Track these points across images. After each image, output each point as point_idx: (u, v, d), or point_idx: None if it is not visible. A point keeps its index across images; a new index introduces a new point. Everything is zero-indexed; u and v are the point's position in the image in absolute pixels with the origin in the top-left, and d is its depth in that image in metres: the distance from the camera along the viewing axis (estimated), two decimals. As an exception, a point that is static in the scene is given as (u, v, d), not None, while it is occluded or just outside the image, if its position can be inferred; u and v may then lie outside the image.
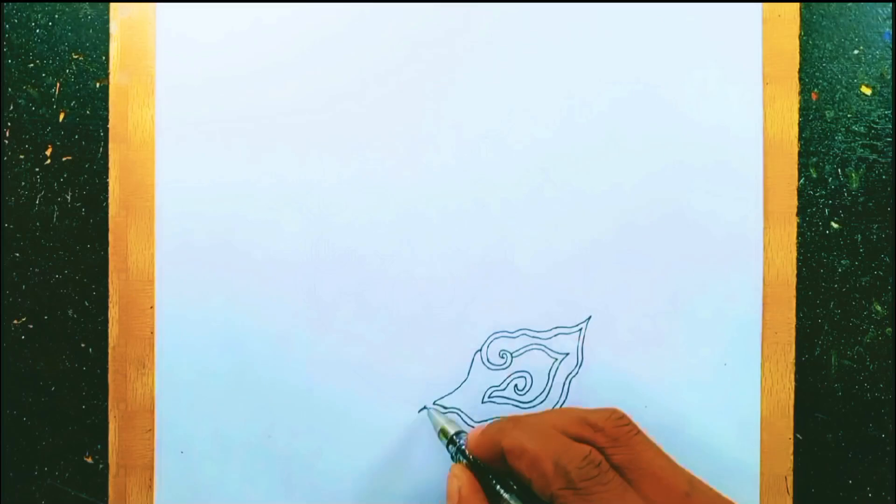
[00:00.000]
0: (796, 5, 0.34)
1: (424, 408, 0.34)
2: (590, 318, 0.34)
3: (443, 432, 0.32)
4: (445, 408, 0.34)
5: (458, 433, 0.31)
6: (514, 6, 0.34)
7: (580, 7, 0.34)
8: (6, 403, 0.36)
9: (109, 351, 0.35)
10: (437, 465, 0.34)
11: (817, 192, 0.34)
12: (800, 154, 0.34)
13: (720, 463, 0.33)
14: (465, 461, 0.30)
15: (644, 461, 0.26)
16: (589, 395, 0.34)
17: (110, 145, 0.35)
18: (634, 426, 0.28)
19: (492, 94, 0.34)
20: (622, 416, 0.28)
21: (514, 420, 0.29)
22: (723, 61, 0.34)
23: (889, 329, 0.34)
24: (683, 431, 0.33)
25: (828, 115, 0.34)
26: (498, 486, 0.28)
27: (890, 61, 0.34)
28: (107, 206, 0.35)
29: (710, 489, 0.26)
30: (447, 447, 0.31)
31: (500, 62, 0.34)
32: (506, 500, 0.28)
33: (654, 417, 0.33)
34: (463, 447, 0.30)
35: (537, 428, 0.27)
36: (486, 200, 0.34)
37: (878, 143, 0.34)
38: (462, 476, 0.29)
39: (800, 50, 0.34)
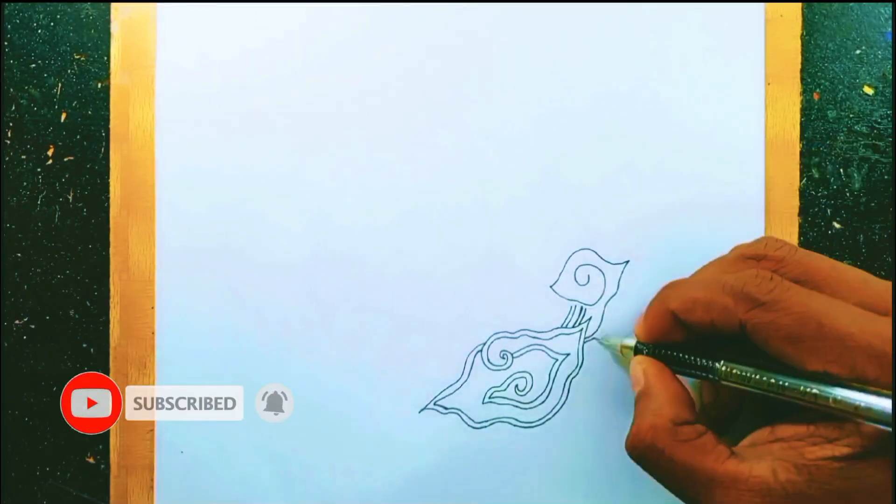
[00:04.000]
0: (798, 5, 0.34)
1: (593, 338, 0.34)
2: (590, 318, 0.34)
3: (624, 348, 0.31)
4: (446, 408, 0.34)
5: (638, 342, 0.30)
6: (516, 6, 0.34)
7: (582, 7, 0.34)
8: (7, 403, 0.36)
9: (111, 351, 0.35)
10: (437, 465, 0.34)
11: (819, 192, 0.34)
12: (802, 154, 0.34)
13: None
14: None
15: (813, 269, 0.25)
16: (590, 395, 0.34)
17: (111, 145, 0.35)
18: (791, 244, 0.27)
19: (492, 93, 0.34)
20: (777, 239, 0.27)
21: (672, 284, 0.28)
22: (724, 61, 0.33)
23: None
24: (685, 432, 0.33)
25: (830, 115, 0.34)
26: (683, 356, 0.27)
27: (892, 61, 0.34)
28: (108, 206, 0.35)
29: (880, 279, 0.25)
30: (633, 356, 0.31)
31: (501, 62, 0.34)
32: (699, 363, 0.27)
33: (656, 418, 0.33)
34: (646, 350, 0.29)
35: (698, 279, 0.27)
36: (487, 200, 0.34)
37: (881, 144, 0.34)
38: (646, 361, 0.29)
39: (802, 50, 0.34)
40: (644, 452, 0.26)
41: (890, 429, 0.22)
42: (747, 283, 0.25)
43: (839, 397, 0.23)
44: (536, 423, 0.34)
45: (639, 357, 0.29)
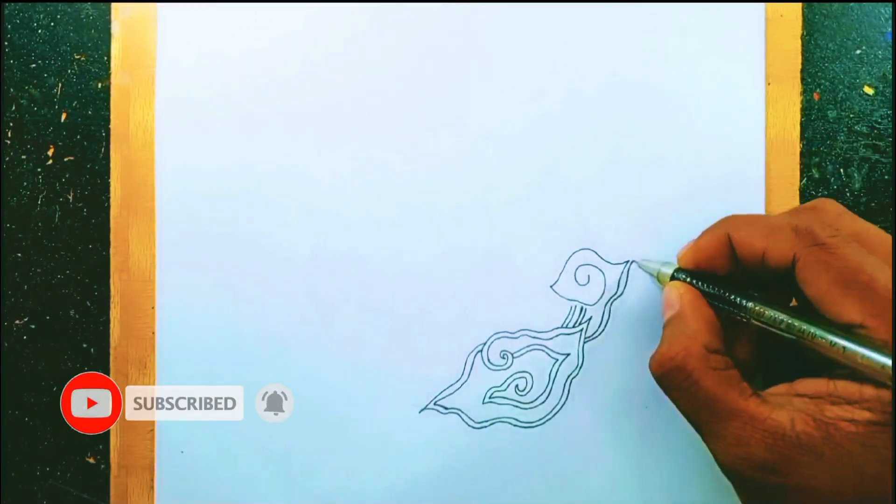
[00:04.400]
0: (798, 5, 0.34)
1: (632, 262, 0.33)
2: (591, 318, 0.34)
3: (661, 276, 0.31)
4: (446, 408, 0.34)
5: (676, 270, 0.30)
6: (516, 6, 0.34)
7: (582, 7, 0.34)
8: (8, 403, 0.36)
9: (111, 351, 0.35)
10: (437, 465, 0.34)
11: (819, 192, 0.34)
12: (802, 154, 0.34)
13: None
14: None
15: (867, 233, 0.25)
16: (590, 395, 0.34)
17: (112, 145, 0.35)
18: (847, 210, 0.27)
19: (492, 93, 0.34)
20: (833, 202, 0.27)
21: (733, 216, 0.29)
22: (725, 61, 0.33)
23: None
24: (684, 432, 0.33)
25: (830, 115, 0.34)
26: (731, 295, 0.27)
27: (892, 61, 0.34)
28: (108, 206, 0.35)
29: None
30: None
31: (501, 62, 0.34)
32: (745, 305, 0.27)
33: (655, 418, 0.33)
34: (685, 278, 0.29)
35: (760, 216, 0.28)
36: (487, 200, 0.34)
37: (881, 144, 0.34)
38: (682, 286, 0.29)
39: (802, 50, 0.34)
40: (671, 372, 0.26)
41: None
42: (812, 223, 0.25)
43: (866, 355, 0.23)
44: (536, 424, 0.34)
45: (675, 282, 0.29)
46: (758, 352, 0.29)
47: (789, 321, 0.25)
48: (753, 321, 0.27)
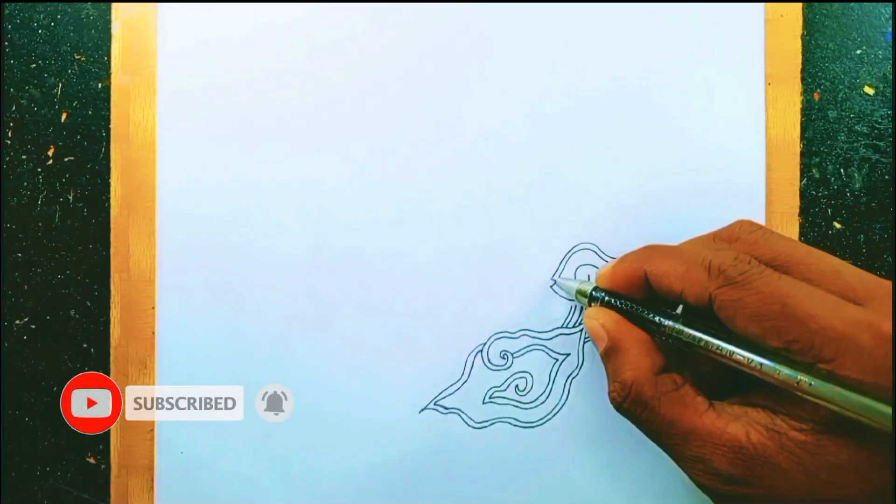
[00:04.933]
0: (798, 5, 0.34)
1: (554, 282, 0.33)
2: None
3: (580, 293, 0.31)
4: (446, 408, 0.34)
5: (595, 288, 0.30)
6: (515, 6, 0.34)
7: (582, 7, 0.34)
8: (8, 403, 0.36)
9: (111, 351, 0.35)
10: (437, 465, 0.34)
11: (820, 192, 0.34)
12: (802, 154, 0.34)
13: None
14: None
15: (786, 254, 0.26)
16: (590, 395, 0.33)
17: (112, 146, 0.35)
18: (766, 227, 0.28)
19: (492, 93, 0.34)
20: (751, 223, 0.28)
21: (650, 248, 0.29)
22: (725, 61, 0.33)
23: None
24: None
25: (830, 115, 0.34)
26: (650, 315, 0.28)
27: (892, 61, 0.34)
28: (108, 206, 0.35)
29: (857, 269, 0.26)
30: (588, 304, 0.31)
31: (501, 62, 0.34)
32: (664, 325, 0.27)
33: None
34: (603, 297, 0.29)
35: (677, 250, 0.28)
36: (487, 200, 0.34)
37: (881, 144, 0.34)
38: (600, 314, 0.29)
39: (802, 50, 0.34)
40: (630, 406, 0.27)
41: (833, 406, 0.23)
42: (724, 262, 0.25)
43: (784, 372, 0.24)
44: (537, 424, 0.34)
45: (593, 310, 0.29)
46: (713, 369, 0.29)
47: (707, 340, 0.26)
48: (671, 340, 0.27)
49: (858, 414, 0.22)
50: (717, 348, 0.26)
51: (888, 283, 0.25)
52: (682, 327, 0.27)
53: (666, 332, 0.27)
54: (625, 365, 0.27)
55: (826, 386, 0.23)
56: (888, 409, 0.22)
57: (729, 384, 0.28)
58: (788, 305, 0.24)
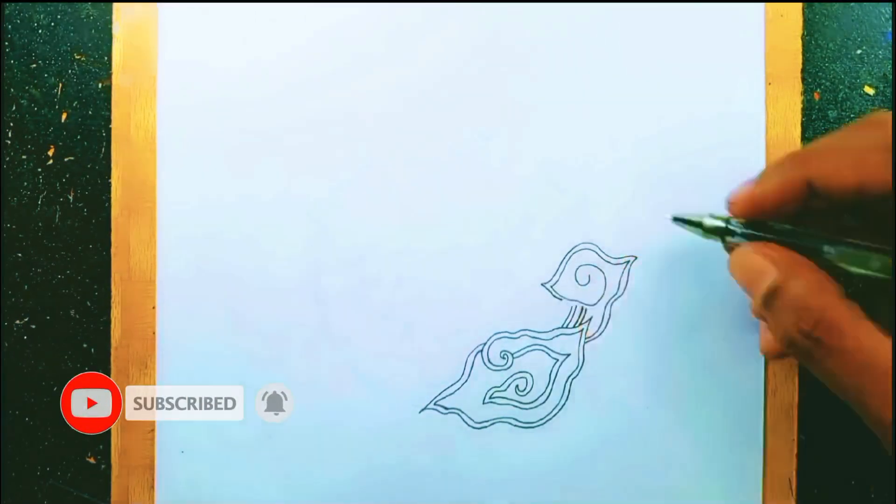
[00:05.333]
0: (799, 5, 0.33)
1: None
2: (591, 318, 0.34)
3: (707, 229, 0.26)
4: (446, 408, 0.34)
5: (726, 220, 0.26)
6: (515, 6, 0.34)
7: (582, 7, 0.34)
8: (8, 404, 0.36)
9: (112, 351, 0.35)
10: (437, 465, 0.34)
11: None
12: (802, 154, 0.34)
13: (723, 464, 0.33)
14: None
15: None
16: (590, 395, 0.33)
17: (112, 146, 0.35)
18: None
19: (492, 94, 0.34)
20: (887, 112, 0.24)
21: (803, 150, 0.25)
22: (725, 61, 0.33)
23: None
24: (686, 433, 0.33)
25: (830, 115, 0.34)
26: (810, 241, 0.24)
27: (892, 61, 0.34)
28: (109, 206, 0.35)
29: None
30: (723, 240, 0.26)
31: (501, 62, 0.34)
32: (826, 251, 0.23)
33: (656, 418, 0.33)
34: (749, 231, 0.25)
35: (832, 143, 0.24)
36: (488, 200, 0.34)
37: (882, 144, 0.34)
38: (763, 246, 0.24)
39: (802, 50, 0.34)
40: (824, 334, 0.22)
41: None
42: None
43: None
44: (537, 424, 0.34)
45: (761, 244, 0.25)
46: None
47: (879, 262, 0.22)
48: (838, 264, 0.23)
49: None
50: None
51: None
52: (849, 248, 0.23)
53: (832, 255, 0.23)
54: (809, 291, 0.23)
55: None
56: None
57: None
58: None
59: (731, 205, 0.26)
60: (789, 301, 0.23)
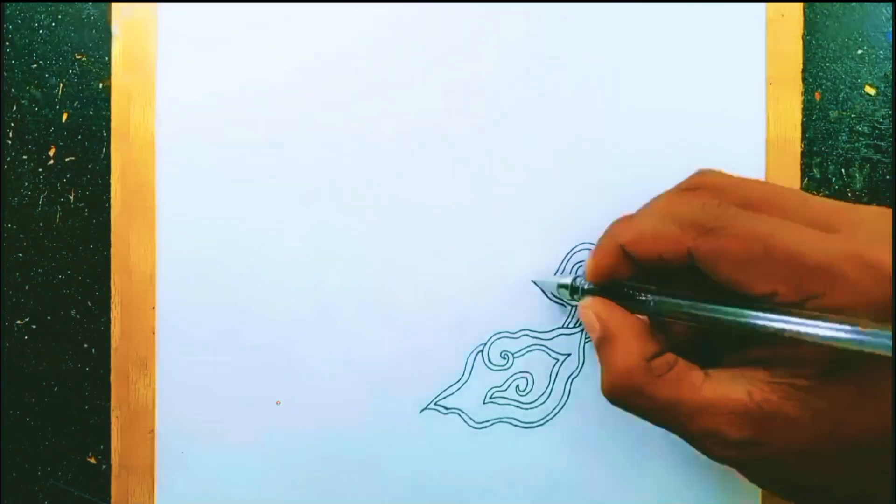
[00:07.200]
0: (799, 5, 0.33)
1: (533, 280, 0.33)
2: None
3: (562, 287, 0.30)
4: (446, 408, 0.34)
5: (574, 279, 0.30)
6: (517, 6, 0.34)
7: (582, 7, 0.34)
8: (8, 404, 0.36)
9: (112, 351, 0.35)
10: (437, 465, 0.34)
11: (821, 192, 0.34)
12: (803, 154, 0.34)
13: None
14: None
15: (753, 193, 0.25)
16: (591, 395, 0.33)
17: (113, 146, 0.35)
18: (727, 173, 0.26)
19: (492, 93, 0.34)
20: (712, 170, 0.27)
21: (619, 220, 0.28)
22: (725, 61, 0.33)
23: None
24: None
25: (831, 115, 0.34)
26: (631, 291, 0.27)
27: (892, 61, 0.34)
28: (109, 206, 0.35)
29: (820, 197, 0.25)
30: (571, 298, 0.30)
31: (502, 62, 0.34)
32: (644, 300, 0.26)
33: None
34: (587, 286, 0.29)
35: (645, 213, 0.27)
36: (488, 199, 0.34)
37: (882, 144, 0.34)
38: (594, 303, 0.28)
39: (803, 50, 0.34)
40: (623, 396, 0.26)
41: (831, 343, 0.21)
42: (694, 211, 0.25)
43: (777, 319, 0.23)
44: (537, 424, 0.34)
45: (587, 301, 0.29)
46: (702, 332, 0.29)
47: (690, 310, 0.25)
48: (657, 315, 0.26)
49: (858, 344, 0.21)
50: (704, 310, 0.25)
51: (855, 207, 0.24)
52: (662, 297, 0.26)
53: (650, 306, 0.26)
54: (616, 354, 0.26)
55: (821, 323, 0.22)
56: (888, 331, 0.20)
57: (721, 348, 0.27)
58: (770, 246, 0.23)
59: (585, 269, 0.29)
60: (603, 359, 0.27)
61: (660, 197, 0.28)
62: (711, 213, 0.24)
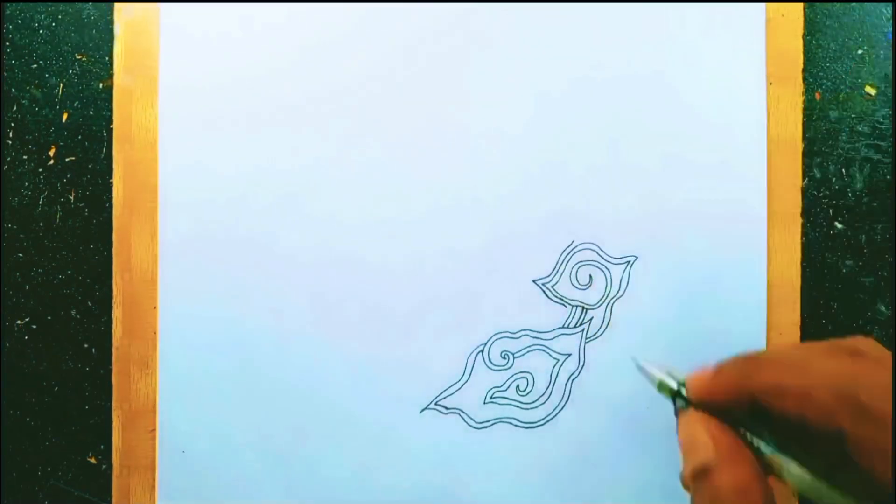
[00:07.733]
0: (800, 5, 0.33)
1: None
2: (592, 319, 0.34)
3: (661, 386, 0.26)
4: (447, 408, 0.34)
5: (680, 384, 0.26)
6: (517, 6, 0.34)
7: (585, 7, 0.34)
8: (9, 404, 0.36)
9: (113, 351, 0.35)
10: (438, 465, 0.34)
11: (821, 192, 0.34)
12: (804, 154, 0.34)
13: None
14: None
15: None
16: (591, 395, 0.33)
17: (114, 146, 0.35)
18: (883, 348, 0.23)
19: (493, 93, 0.34)
20: (875, 342, 0.23)
21: (756, 359, 0.24)
22: (726, 61, 0.33)
23: (892, 329, 0.33)
24: (686, 433, 0.33)
25: (832, 115, 0.34)
26: (750, 438, 0.23)
27: (892, 61, 0.34)
28: (110, 206, 0.35)
29: None
30: (673, 400, 0.26)
31: (502, 62, 0.34)
32: (771, 457, 0.23)
33: (656, 418, 0.33)
34: (686, 401, 0.25)
35: (791, 360, 0.23)
36: (489, 200, 0.34)
37: (882, 144, 0.34)
38: (707, 421, 0.24)
39: (803, 50, 0.34)
40: None
41: None
42: (857, 386, 0.21)
43: None
44: (538, 424, 0.34)
45: (709, 419, 0.24)
46: None
47: (814, 488, 0.22)
48: (765, 469, 0.23)
49: None
50: (832, 498, 0.21)
51: None
52: (786, 459, 0.23)
53: (763, 458, 0.23)
54: (735, 488, 0.22)
55: None
56: None
57: None
58: None
59: (688, 385, 0.25)
60: (712, 489, 0.23)
61: (808, 345, 0.25)
62: (874, 390, 0.21)
